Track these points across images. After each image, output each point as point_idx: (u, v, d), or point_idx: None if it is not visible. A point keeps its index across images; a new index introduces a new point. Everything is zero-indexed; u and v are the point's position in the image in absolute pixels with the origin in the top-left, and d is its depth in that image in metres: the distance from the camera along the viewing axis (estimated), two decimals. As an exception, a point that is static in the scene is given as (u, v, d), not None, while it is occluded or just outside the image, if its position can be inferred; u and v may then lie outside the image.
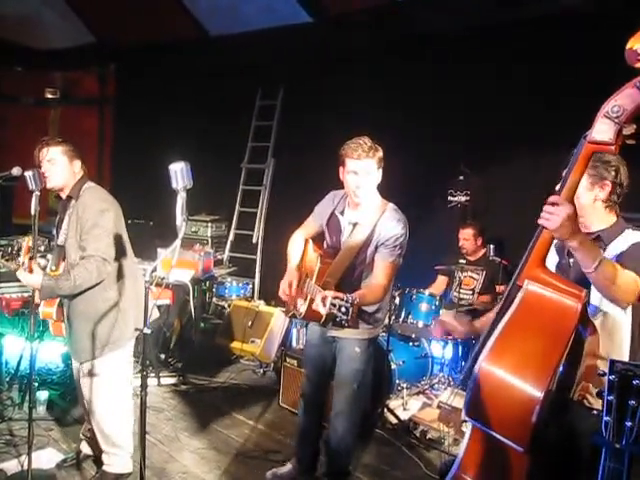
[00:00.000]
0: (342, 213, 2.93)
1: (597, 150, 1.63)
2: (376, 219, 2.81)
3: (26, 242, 2.94)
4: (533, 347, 1.50)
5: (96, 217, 2.85)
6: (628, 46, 1.52)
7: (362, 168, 2.71)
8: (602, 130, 1.58)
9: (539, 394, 1.46)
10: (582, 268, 1.77)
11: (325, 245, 3.07)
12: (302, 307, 2.86)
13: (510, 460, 1.47)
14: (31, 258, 2.85)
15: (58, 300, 2.99)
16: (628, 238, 1.96)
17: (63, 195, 3.03)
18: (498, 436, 1.47)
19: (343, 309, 2.38)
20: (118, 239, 2.94)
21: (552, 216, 1.65)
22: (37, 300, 2.98)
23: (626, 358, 1.95)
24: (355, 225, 2.86)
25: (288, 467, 3.32)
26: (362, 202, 2.81)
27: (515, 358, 1.49)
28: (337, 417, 3.00)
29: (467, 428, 1.64)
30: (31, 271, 2.76)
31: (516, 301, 1.61)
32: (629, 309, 1.93)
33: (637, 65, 1.52)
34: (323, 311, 2.44)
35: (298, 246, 3.11)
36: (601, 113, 1.58)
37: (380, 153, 2.77)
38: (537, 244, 1.72)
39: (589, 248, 1.74)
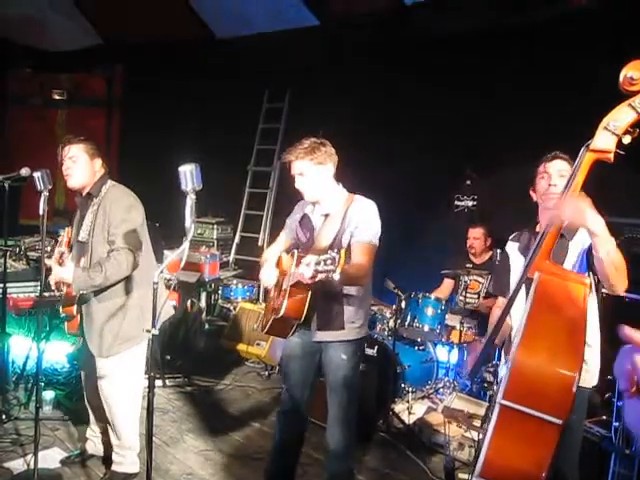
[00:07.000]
0: (312, 212, 2.93)
1: (598, 157, 1.79)
2: (345, 208, 2.79)
3: (66, 233, 2.95)
4: (559, 330, 1.63)
5: (124, 212, 2.92)
6: (623, 73, 1.70)
7: (294, 171, 2.80)
8: (602, 140, 1.77)
9: (576, 370, 1.56)
10: (597, 253, 1.94)
11: (299, 246, 2.97)
12: (283, 303, 2.64)
13: (541, 436, 1.57)
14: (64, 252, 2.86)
15: (78, 296, 2.99)
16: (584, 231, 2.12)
17: (83, 192, 3.06)
18: (537, 413, 1.56)
19: (329, 261, 2.23)
20: (144, 235, 3.01)
21: (562, 208, 1.83)
22: (65, 289, 2.97)
23: (598, 337, 2.26)
24: (327, 216, 2.84)
25: None
26: (318, 199, 2.83)
27: (548, 342, 1.62)
28: (333, 422, 2.89)
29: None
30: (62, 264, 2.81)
31: (532, 293, 1.72)
32: (594, 294, 2.18)
33: (630, 89, 1.70)
34: (309, 274, 2.28)
35: (274, 254, 3.06)
36: (601, 126, 1.77)
37: (315, 154, 2.75)
38: (544, 240, 1.84)
39: (606, 233, 1.90)
